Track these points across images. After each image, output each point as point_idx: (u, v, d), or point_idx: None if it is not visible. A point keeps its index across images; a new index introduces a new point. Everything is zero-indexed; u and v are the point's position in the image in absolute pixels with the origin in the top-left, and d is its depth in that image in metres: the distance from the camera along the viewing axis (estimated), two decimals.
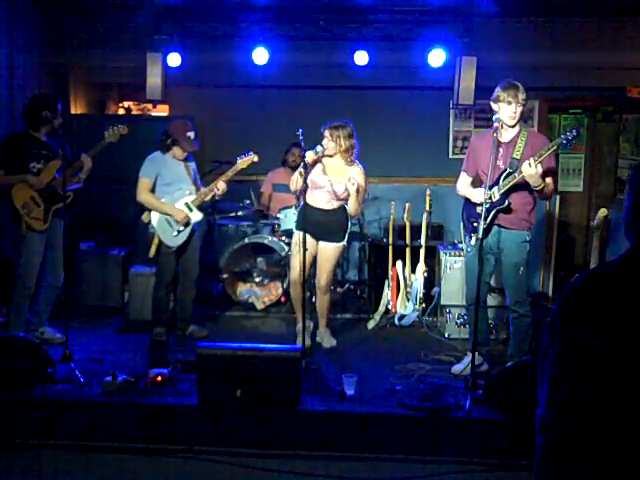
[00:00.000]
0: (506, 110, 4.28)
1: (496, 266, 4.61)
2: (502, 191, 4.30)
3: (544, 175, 4.20)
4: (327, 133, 4.88)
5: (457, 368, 4.66)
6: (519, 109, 4.28)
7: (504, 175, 4.31)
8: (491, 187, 4.33)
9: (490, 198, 4.32)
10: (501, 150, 4.35)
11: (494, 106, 4.36)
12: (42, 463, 3.70)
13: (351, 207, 4.95)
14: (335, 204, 5.01)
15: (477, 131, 7.05)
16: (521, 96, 4.26)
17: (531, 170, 4.07)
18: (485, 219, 4.28)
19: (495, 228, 4.42)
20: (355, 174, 4.89)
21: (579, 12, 6.36)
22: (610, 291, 1.49)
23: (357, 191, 4.77)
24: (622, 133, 7.14)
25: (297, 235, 5.05)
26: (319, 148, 4.86)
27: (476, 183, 4.63)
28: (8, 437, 3.84)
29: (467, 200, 4.56)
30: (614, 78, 6.73)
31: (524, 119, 4.61)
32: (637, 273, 1.49)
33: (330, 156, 4.93)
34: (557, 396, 1.51)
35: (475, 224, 4.36)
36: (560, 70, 6.59)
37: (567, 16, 6.45)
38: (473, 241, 4.40)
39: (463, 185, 4.61)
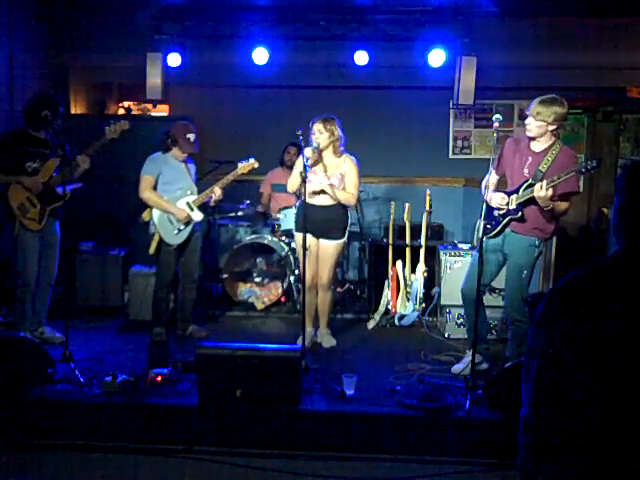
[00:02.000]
0: (526, 121, 4.30)
1: (499, 267, 4.61)
2: (519, 201, 4.31)
3: (561, 198, 4.20)
4: (319, 125, 4.87)
5: (457, 368, 4.66)
6: (532, 122, 4.23)
7: (525, 185, 4.29)
8: (510, 193, 4.36)
9: (507, 204, 4.35)
10: (530, 159, 4.32)
11: None
12: (42, 463, 3.70)
13: (341, 196, 4.96)
14: (334, 200, 5.03)
15: (477, 131, 7.06)
16: (539, 113, 4.18)
17: (541, 193, 4.08)
18: (498, 223, 4.39)
19: (506, 230, 4.44)
20: (347, 166, 4.97)
21: (579, 12, 6.36)
22: (596, 291, 1.49)
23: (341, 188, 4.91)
24: (622, 133, 7.14)
25: (298, 237, 5.06)
26: (315, 143, 4.86)
27: (498, 185, 4.64)
28: (8, 437, 3.83)
29: (487, 201, 4.56)
30: (614, 78, 6.73)
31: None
32: (623, 274, 1.49)
33: (322, 150, 4.94)
34: (541, 396, 1.51)
35: (489, 226, 4.40)
36: (560, 70, 6.58)
37: (567, 16, 6.45)
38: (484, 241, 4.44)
39: (488, 183, 4.55)
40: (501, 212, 4.40)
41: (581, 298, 1.49)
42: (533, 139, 4.34)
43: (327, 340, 5.24)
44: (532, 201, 4.25)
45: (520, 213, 4.32)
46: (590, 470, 1.45)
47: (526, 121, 4.30)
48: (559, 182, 4.09)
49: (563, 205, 4.26)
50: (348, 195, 4.98)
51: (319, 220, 4.94)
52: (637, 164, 1.58)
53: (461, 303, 5.35)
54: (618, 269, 1.51)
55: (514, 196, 4.34)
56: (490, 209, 4.43)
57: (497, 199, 4.38)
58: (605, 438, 1.43)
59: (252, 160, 5.17)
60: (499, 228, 4.42)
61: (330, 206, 5.02)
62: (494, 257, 4.51)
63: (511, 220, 4.38)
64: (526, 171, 4.33)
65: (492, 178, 4.53)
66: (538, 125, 4.22)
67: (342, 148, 4.98)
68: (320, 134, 4.87)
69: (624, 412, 1.42)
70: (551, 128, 4.23)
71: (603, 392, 1.43)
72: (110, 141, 4.94)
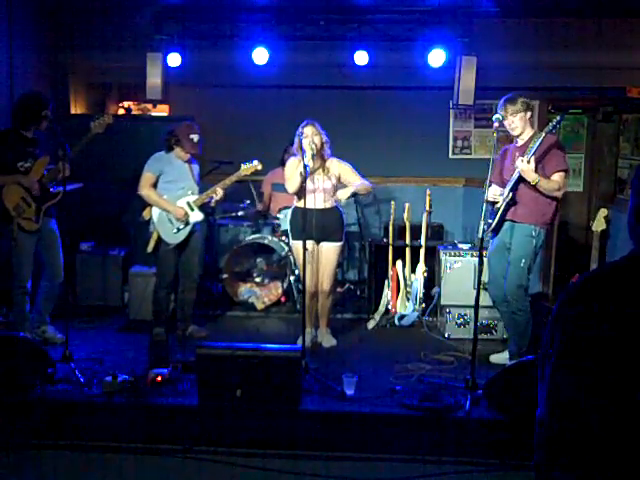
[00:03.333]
0: (505, 125, 4.50)
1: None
2: (510, 186, 4.48)
3: (549, 170, 4.39)
4: (312, 128, 4.91)
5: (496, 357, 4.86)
6: (513, 119, 4.48)
7: (514, 173, 4.46)
8: (505, 186, 4.55)
9: (502, 195, 4.52)
10: (517, 154, 4.52)
11: None
12: (42, 463, 3.71)
13: (362, 188, 5.03)
14: (332, 202, 5.04)
15: (477, 131, 7.08)
16: (511, 109, 4.45)
17: (523, 165, 4.29)
18: (495, 215, 4.55)
19: (507, 223, 4.59)
20: (337, 166, 5.04)
21: (579, 12, 6.36)
22: (613, 292, 1.48)
23: (339, 180, 5.03)
24: (622, 133, 7.13)
25: (296, 245, 5.05)
26: (312, 146, 4.86)
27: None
28: (8, 437, 3.83)
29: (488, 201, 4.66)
30: (614, 78, 6.73)
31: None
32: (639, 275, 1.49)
33: (318, 151, 4.95)
34: (556, 397, 1.50)
35: (489, 220, 4.55)
36: (560, 70, 6.58)
37: (567, 16, 6.44)
38: (488, 237, 4.61)
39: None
40: (497, 205, 4.55)
41: (598, 297, 1.48)
42: (516, 137, 4.56)
43: (327, 340, 5.23)
44: (522, 182, 4.41)
45: (511, 195, 4.47)
46: (606, 470, 1.44)
47: (506, 123, 4.48)
48: (536, 148, 4.27)
49: (552, 181, 4.41)
50: (363, 183, 5.02)
51: (318, 225, 4.92)
52: None
53: (461, 303, 5.46)
54: (635, 268, 1.50)
55: (508, 186, 4.51)
56: (489, 208, 4.53)
57: (491, 193, 4.53)
58: (621, 439, 1.43)
59: (255, 162, 5.17)
60: (497, 218, 4.55)
61: (327, 209, 5.03)
62: (504, 257, 4.62)
63: (507, 207, 4.51)
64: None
65: (494, 189, 4.64)
66: (519, 118, 4.48)
67: (329, 151, 5.02)
68: (315, 135, 4.89)
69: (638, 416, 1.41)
70: (528, 115, 4.51)
71: (620, 393, 1.43)
72: (95, 136, 4.86)
